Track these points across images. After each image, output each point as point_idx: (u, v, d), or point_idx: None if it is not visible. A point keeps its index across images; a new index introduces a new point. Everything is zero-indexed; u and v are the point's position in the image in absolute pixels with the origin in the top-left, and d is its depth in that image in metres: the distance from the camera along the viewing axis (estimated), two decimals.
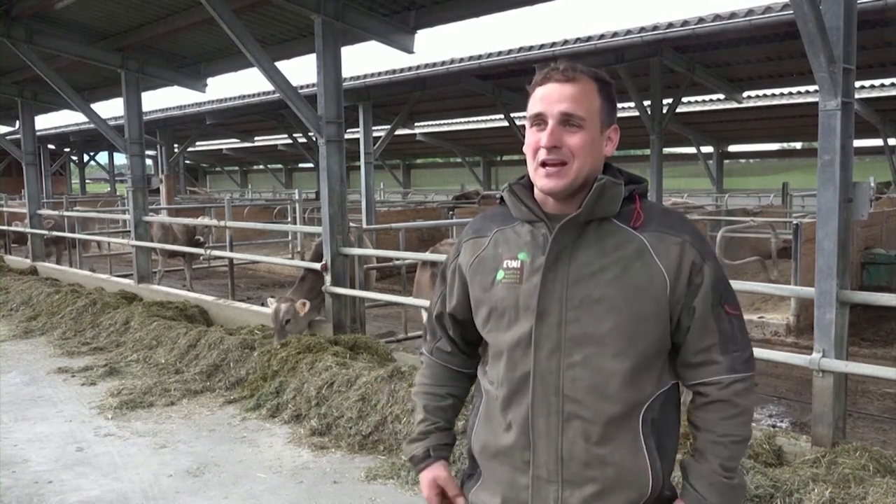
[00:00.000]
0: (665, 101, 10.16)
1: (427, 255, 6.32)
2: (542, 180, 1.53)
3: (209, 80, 9.66)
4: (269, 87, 7.51)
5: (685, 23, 7.85)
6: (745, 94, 12.49)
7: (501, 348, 1.57)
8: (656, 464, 1.52)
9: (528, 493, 1.55)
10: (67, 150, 25.86)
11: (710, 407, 1.56)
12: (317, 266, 6.66)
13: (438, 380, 1.79)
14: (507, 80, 11.49)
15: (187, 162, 29.56)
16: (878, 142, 15.70)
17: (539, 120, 1.53)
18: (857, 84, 11.49)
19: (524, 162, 1.60)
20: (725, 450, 1.54)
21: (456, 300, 1.72)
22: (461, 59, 10.11)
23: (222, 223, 9.13)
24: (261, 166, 32.45)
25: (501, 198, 1.67)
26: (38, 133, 13.21)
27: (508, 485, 1.58)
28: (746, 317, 7.56)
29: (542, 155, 1.51)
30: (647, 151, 12.07)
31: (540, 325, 1.51)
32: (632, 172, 1.63)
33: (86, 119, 10.55)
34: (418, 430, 1.78)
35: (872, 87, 12.83)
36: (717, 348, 1.55)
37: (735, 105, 13.48)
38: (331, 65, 6.44)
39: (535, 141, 1.53)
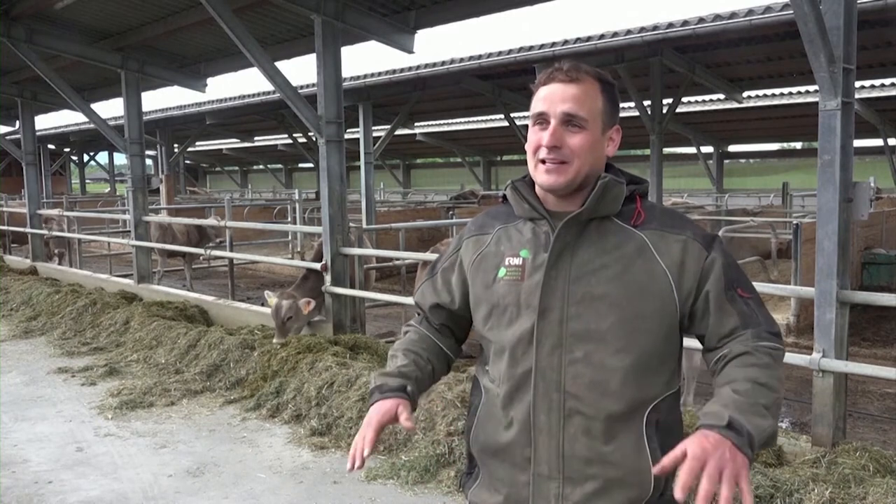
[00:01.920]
0: (665, 101, 10.15)
1: (427, 255, 6.32)
2: (541, 176, 1.54)
3: (209, 80, 9.66)
4: (269, 87, 7.51)
5: (685, 23, 7.85)
6: (745, 94, 12.48)
7: (503, 345, 1.58)
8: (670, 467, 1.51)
9: (528, 491, 1.55)
10: (67, 150, 25.86)
11: (730, 363, 1.50)
12: (317, 266, 6.66)
13: (426, 347, 1.74)
14: (507, 80, 11.49)
15: (187, 162, 29.57)
16: (878, 142, 15.69)
17: (541, 119, 1.54)
18: (857, 84, 11.49)
19: (524, 162, 1.60)
20: (744, 384, 1.44)
21: (450, 295, 1.73)
22: (461, 59, 10.10)
23: (222, 223, 9.13)
24: (261, 166, 32.45)
25: (504, 196, 1.68)
26: (38, 133, 13.21)
27: (509, 482, 1.58)
28: None
29: (543, 153, 1.52)
30: (647, 151, 12.06)
31: (542, 321, 1.51)
32: (632, 173, 1.63)
33: (86, 119, 10.55)
34: (400, 370, 1.67)
35: (872, 87, 12.83)
36: (739, 328, 1.52)
37: (735, 105, 13.47)
38: (331, 65, 6.44)
39: (536, 140, 1.54)
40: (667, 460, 1.33)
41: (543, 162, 1.52)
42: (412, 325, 1.81)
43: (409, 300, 6.11)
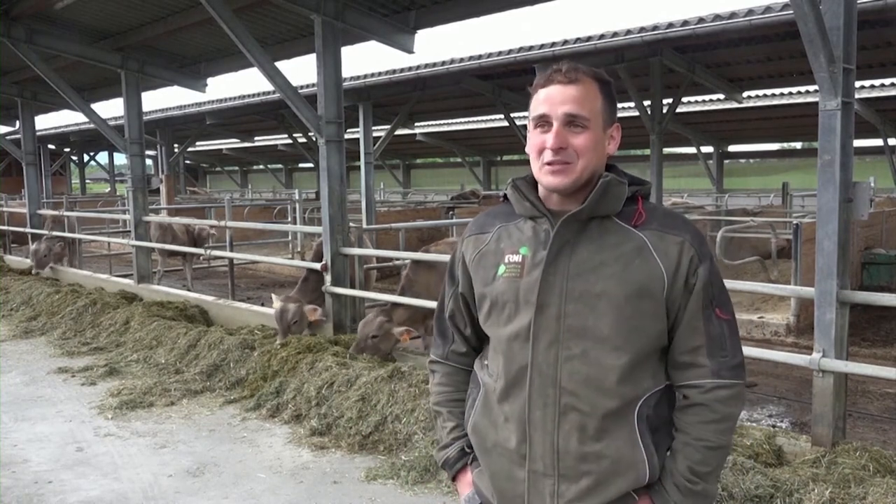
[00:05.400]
0: (665, 101, 10.15)
1: (427, 256, 6.31)
2: (547, 177, 1.54)
3: (209, 80, 9.66)
4: (269, 87, 7.51)
5: (685, 23, 7.84)
6: (745, 94, 12.49)
7: (501, 341, 1.59)
8: (653, 457, 1.54)
9: (524, 486, 1.56)
10: (67, 150, 25.87)
11: (689, 409, 1.56)
12: (317, 266, 6.67)
13: (459, 385, 1.78)
14: (507, 80, 11.49)
15: (187, 162, 29.56)
16: (878, 142, 15.70)
17: (543, 121, 1.55)
18: (857, 84, 11.49)
19: (524, 162, 1.62)
20: (696, 453, 1.54)
21: (465, 296, 1.74)
22: (461, 59, 10.10)
23: (222, 223, 9.12)
24: (261, 166, 32.45)
25: (505, 195, 1.69)
26: (38, 133, 13.21)
27: (506, 477, 1.59)
28: (746, 317, 7.57)
29: (548, 156, 1.53)
30: (647, 151, 12.07)
31: (539, 317, 1.52)
32: (633, 174, 1.64)
33: (86, 119, 10.55)
34: (450, 437, 1.76)
35: (872, 87, 12.83)
36: (703, 350, 1.55)
37: (735, 105, 13.47)
38: (331, 65, 6.44)
39: (539, 142, 1.55)
40: None
41: (549, 164, 1.53)
42: (439, 363, 1.81)
43: (409, 300, 6.13)
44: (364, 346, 5.68)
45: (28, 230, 12.50)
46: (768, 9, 7.17)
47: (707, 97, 14.54)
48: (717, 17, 7.57)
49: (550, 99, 1.53)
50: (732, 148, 20.29)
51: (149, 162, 24.84)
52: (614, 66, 8.87)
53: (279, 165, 31.01)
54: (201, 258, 11.00)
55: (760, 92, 13.42)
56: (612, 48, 8.56)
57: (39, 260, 11.13)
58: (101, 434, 4.92)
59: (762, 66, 10.46)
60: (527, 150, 1.61)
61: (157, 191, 14.91)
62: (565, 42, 8.79)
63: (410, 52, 6.98)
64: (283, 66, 12.59)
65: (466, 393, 1.76)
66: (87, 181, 33.60)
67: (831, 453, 3.66)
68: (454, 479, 1.76)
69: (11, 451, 4.65)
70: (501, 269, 1.59)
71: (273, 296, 6.69)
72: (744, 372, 1.59)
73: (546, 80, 1.56)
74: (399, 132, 15.03)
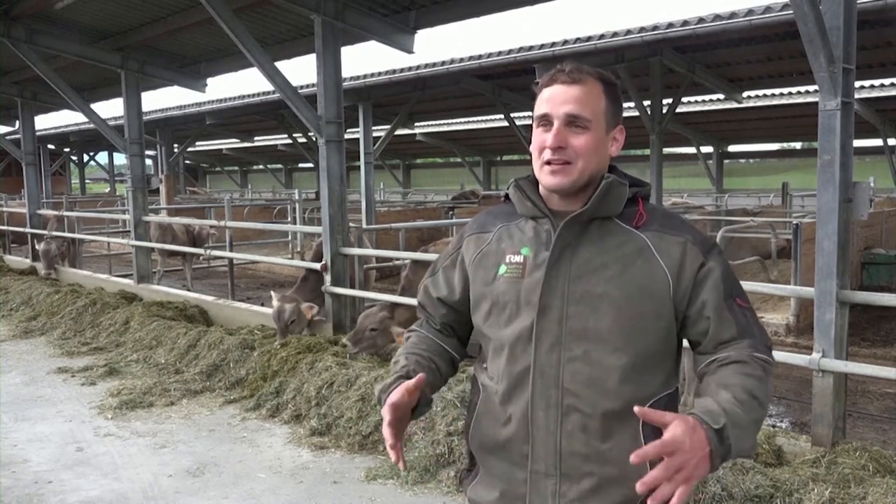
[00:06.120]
0: (665, 101, 10.15)
1: (427, 256, 6.31)
2: (546, 177, 1.55)
3: (209, 80, 9.67)
4: (269, 87, 7.51)
5: (685, 23, 7.84)
6: (745, 94, 12.48)
7: (502, 343, 1.58)
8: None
9: (525, 487, 1.56)
10: (67, 150, 25.86)
11: (728, 366, 1.49)
12: (317, 266, 6.67)
13: (429, 346, 1.73)
14: (507, 80, 11.49)
15: (187, 162, 29.58)
16: (878, 142, 15.70)
17: (545, 121, 1.55)
18: (857, 84, 11.48)
19: (524, 162, 1.62)
20: (740, 392, 1.41)
21: (451, 291, 1.73)
22: (461, 59, 10.10)
23: (222, 223, 9.12)
24: (261, 166, 32.44)
25: (506, 195, 1.69)
26: (38, 133, 13.22)
27: (506, 479, 1.59)
28: None
29: (547, 155, 1.53)
30: (647, 151, 12.06)
31: (541, 319, 1.52)
32: (633, 175, 1.64)
33: (86, 119, 10.55)
34: (397, 373, 1.62)
35: (872, 87, 12.83)
36: (738, 338, 1.53)
37: (735, 105, 13.46)
38: (331, 65, 6.44)
39: (540, 141, 1.55)
40: (651, 448, 1.29)
41: (548, 163, 1.53)
42: (414, 330, 1.81)
43: (409, 300, 6.13)
44: (361, 338, 5.68)
45: (28, 230, 12.50)
46: (768, 9, 7.16)
47: (707, 97, 14.53)
48: (717, 17, 7.57)
49: (553, 99, 1.54)
50: (732, 148, 20.28)
51: (149, 162, 24.84)
52: (614, 66, 8.86)
53: (279, 165, 31.01)
54: (201, 258, 11.00)
55: (760, 92, 13.42)
56: (612, 48, 8.56)
57: (50, 261, 11.11)
58: (101, 434, 4.92)
59: (762, 66, 10.45)
60: (531, 148, 1.62)
61: (157, 191, 14.91)
62: (565, 42, 8.79)
63: (410, 52, 6.98)
64: (283, 66, 12.59)
65: (434, 355, 1.71)
66: (87, 181, 33.60)
67: (831, 453, 3.66)
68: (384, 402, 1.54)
69: (11, 451, 4.65)
70: (502, 269, 1.59)
71: (272, 293, 6.70)
72: (773, 355, 1.56)
73: (550, 79, 1.56)
74: (399, 132, 15.03)
